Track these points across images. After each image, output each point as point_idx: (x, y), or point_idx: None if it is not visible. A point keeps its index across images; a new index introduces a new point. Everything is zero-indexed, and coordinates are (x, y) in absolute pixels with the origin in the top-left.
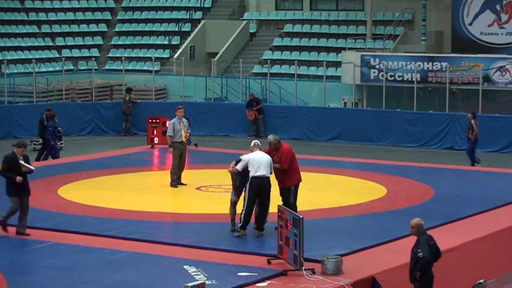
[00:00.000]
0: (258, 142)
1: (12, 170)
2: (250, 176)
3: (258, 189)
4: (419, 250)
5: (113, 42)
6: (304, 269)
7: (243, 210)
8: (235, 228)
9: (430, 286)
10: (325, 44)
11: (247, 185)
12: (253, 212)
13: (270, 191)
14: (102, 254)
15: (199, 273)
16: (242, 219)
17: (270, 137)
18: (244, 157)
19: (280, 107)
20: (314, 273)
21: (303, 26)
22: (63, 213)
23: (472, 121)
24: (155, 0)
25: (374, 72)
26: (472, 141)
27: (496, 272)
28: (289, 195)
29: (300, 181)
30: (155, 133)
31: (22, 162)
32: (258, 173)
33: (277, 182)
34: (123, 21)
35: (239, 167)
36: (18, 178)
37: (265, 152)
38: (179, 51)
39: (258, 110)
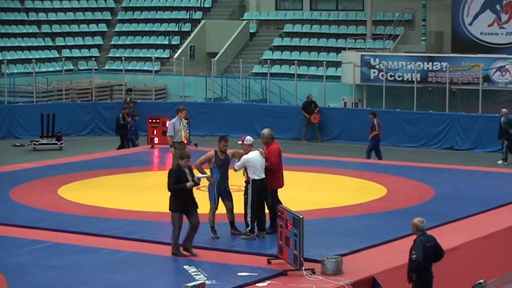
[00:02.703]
0: (253, 140)
1: (180, 183)
2: (250, 179)
3: (261, 192)
4: (413, 252)
5: (113, 42)
6: (304, 269)
7: (247, 215)
8: (216, 234)
9: (429, 287)
10: (325, 44)
11: (249, 189)
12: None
13: (267, 192)
14: (102, 254)
15: (199, 273)
16: (249, 223)
17: (266, 130)
18: (243, 157)
19: (280, 107)
20: (314, 273)
21: (303, 26)
22: (63, 213)
23: (374, 120)
24: (155, 0)
25: (374, 72)
26: (375, 140)
27: (496, 272)
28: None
29: (280, 187)
30: (155, 133)
31: (200, 175)
32: (259, 176)
33: None
34: (123, 21)
35: (237, 167)
36: (189, 184)
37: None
38: (179, 51)
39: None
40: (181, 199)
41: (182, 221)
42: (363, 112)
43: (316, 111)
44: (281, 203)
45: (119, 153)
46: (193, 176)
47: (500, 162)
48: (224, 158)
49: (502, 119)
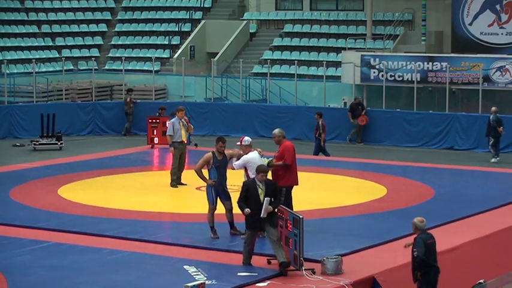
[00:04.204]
0: (251, 140)
1: (249, 199)
2: (250, 178)
3: None
4: (414, 249)
5: (112, 42)
6: (304, 269)
7: None
8: (216, 234)
9: (433, 284)
10: (325, 44)
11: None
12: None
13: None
14: (102, 254)
15: (199, 273)
16: None
17: (276, 130)
18: (244, 157)
19: (280, 107)
20: (314, 273)
21: (303, 26)
22: (63, 213)
23: (320, 121)
24: (155, 0)
25: (374, 72)
26: (318, 140)
27: (496, 272)
28: (280, 196)
29: (295, 184)
30: (155, 133)
31: (266, 204)
32: None
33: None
34: (123, 21)
35: (236, 166)
36: (246, 210)
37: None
38: (179, 51)
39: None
40: (251, 216)
41: (255, 240)
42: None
43: (363, 113)
44: (291, 202)
45: (119, 153)
46: (268, 191)
47: (493, 160)
48: (222, 158)
49: (491, 117)
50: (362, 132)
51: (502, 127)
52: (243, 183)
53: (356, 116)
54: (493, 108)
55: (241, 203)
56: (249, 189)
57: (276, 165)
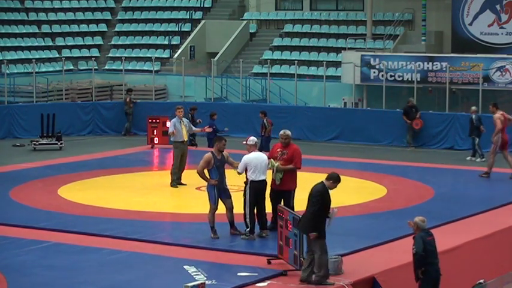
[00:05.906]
0: (256, 140)
1: (324, 206)
2: (249, 179)
3: (259, 193)
4: (413, 247)
5: (112, 42)
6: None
7: (246, 215)
8: (216, 234)
9: (435, 283)
10: (325, 44)
11: (247, 189)
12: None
13: (265, 192)
14: (102, 254)
15: (199, 273)
16: (249, 224)
17: (288, 132)
18: (244, 158)
19: (280, 107)
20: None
21: (303, 26)
22: (63, 213)
23: (265, 119)
24: (155, 0)
25: (374, 72)
26: (265, 138)
27: (496, 272)
28: (289, 198)
29: (295, 188)
30: (155, 133)
31: (334, 215)
32: (259, 178)
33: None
34: (123, 21)
35: (240, 169)
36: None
37: (276, 148)
38: (179, 51)
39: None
40: (322, 224)
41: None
42: (363, 112)
43: (417, 116)
44: (293, 203)
45: (119, 153)
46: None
47: (472, 158)
48: (221, 157)
49: (474, 117)
50: (417, 135)
51: (482, 125)
52: (316, 191)
53: (410, 119)
54: (473, 108)
55: (318, 212)
56: (325, 197)
57: (285, 169)
